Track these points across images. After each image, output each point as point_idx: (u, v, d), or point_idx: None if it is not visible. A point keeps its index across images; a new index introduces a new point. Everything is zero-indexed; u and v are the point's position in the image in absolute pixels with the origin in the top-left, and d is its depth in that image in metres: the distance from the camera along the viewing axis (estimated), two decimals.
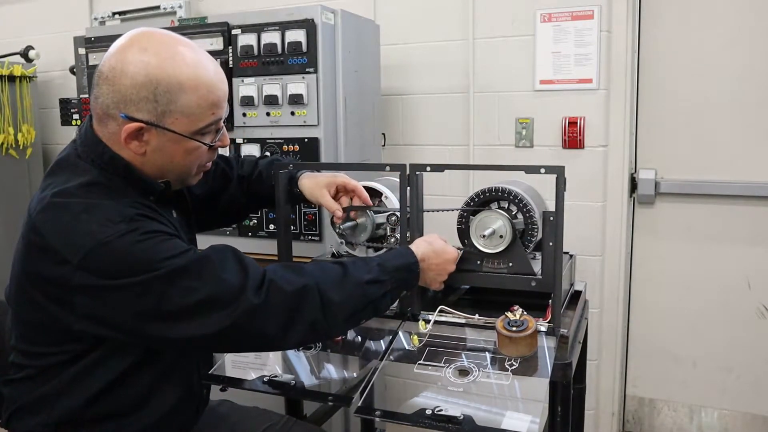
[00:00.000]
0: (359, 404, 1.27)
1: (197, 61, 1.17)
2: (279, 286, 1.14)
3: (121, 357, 1.17)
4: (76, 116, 2.71)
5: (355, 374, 1.39)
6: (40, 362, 1.18)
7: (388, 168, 1.51)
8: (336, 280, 1.21)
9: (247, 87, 2.13)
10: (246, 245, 2.22)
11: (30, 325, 1.18)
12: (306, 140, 2.08)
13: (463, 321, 1.45)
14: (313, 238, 2.14)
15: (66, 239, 1.08)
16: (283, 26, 2.06)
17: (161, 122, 1.15)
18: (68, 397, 1.17)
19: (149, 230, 1.10)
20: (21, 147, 3.15)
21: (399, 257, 1.34)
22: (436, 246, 1.40)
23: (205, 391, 1.43)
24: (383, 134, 2.66)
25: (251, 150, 2.16)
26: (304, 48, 2.04)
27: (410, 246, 1.38)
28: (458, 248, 1.51)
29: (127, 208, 1.12)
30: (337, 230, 1.61)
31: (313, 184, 1.57)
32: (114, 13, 3.16)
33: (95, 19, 3.21)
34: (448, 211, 1.59)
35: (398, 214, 1.55)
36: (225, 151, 2.21)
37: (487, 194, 1.51)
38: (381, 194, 1.61)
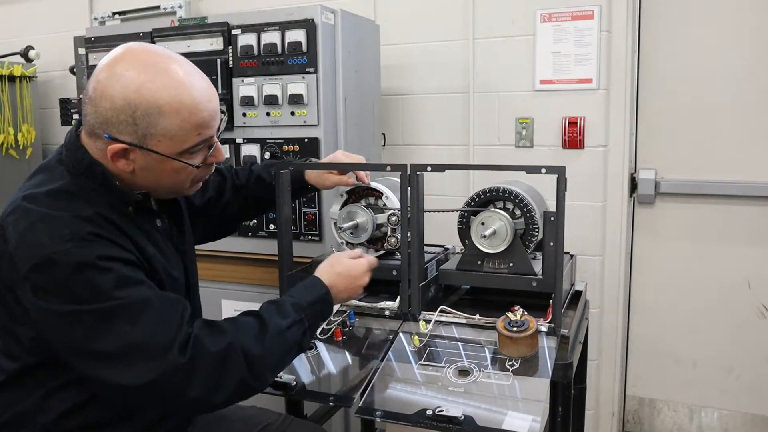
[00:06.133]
0: (360, 404, 1.27)
1: (180, 83, 1.13)
2: (204, 346, 1.10)
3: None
4: (76, 116, 2.72)
5: (355, 374, 1.39)
6: (11, 366, 1.15)
7: (388, 168, 1.51)
8: (256, 336, 1.16)
9: (247, 87, 2.13)
10: (246, 245, 2.22)
11: (3, 329, 1.16)
12: (306, 140, 2.08)
13: (463, 321, 1.45)
14: (313, 238, 2.13)
15: (19, 247, 1.07)
16: (283, 26, 2.06)
17: (144, 144, 1.13)
18: (45, 413, 1.14)
19: (96, 254, 1.07)
20: (21, 147, 3.15)
21: (310, 291, 1.31)
22: (339, 268, 1.37)
23: None
24: (383, 134, 2.66)
25: (251, 150, 2.16)
26: (304, 48, 2.04)
27: (316, 274, 1.36)
28: (367, 246, 1.53)
29: (82, 224, 1.09)
30: (338, 230, 1.61)
31: (318, 173, 1.63)
32: (114, 13, 3.16)
33: (95, 19, 3.21)
34: (448, 211, 1.59)
35: (399, 214, 1.55)
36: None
37: (488, 194, 1.51)
38: (381, 194, 1.61)
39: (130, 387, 1.06)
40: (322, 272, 1.36)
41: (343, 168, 1.62)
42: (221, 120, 1.23)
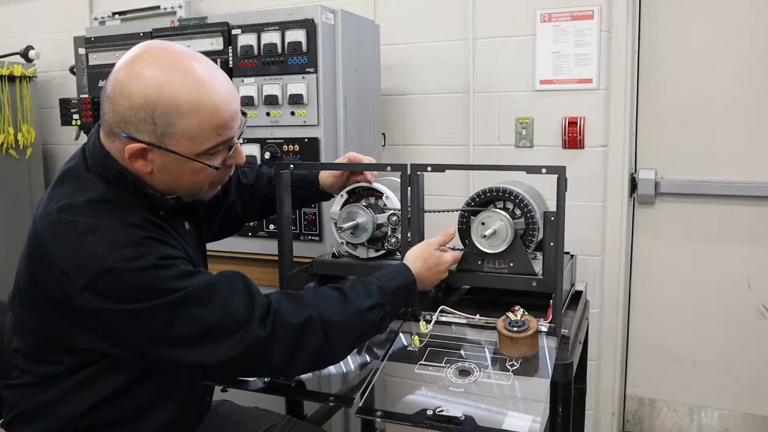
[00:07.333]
0: (360, 405, 1.27)
1: (200, 83, 1.11)
2: (284, 318, 1.15)
3: (120, 371, 1.16)
4: (76, 116, 2.71)
5: (355, 374, 1.39)
6: (41, 369, 1.17)
7: (389, 168, 1.51)
8: (337, 310, 1.21)
9: (247, 87, 2.13)
10: (246, 245, 2.22)
11: (34, 333, 1.17)
12: (306, 140, 2.08)
13: (464, 321, 1.45)
14: (313, 238, 2.13)
15: (72, 260, 1.07)
16: (283, 26, 2.06)
17: (162, 143, 1.12)
18: (67, 407, 1.16)
19: (156, 255, 1.09)
20: (21, 147, 3.15)
21: (397, 277, 1.35)
22: (429, 263, 1.42)
23: (208, 398, 1.43)
24: (383, 134, 2.66)
25: (251, 150, 2.15)
26: (304, 48, 2.04)
27: (406, 262, 1.40)
28: (456, 248, 1.51)
29: (134, 230, 1.10)
30: (338, 230, 1.61)
31: (327, 174, 1.64)
32: (114, 13, 3.16)
33: (95, 19, 3.21)
34: (448, 211, 1.59)
35: (399, 214, 1.55)
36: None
37: (488, 194, 1.51)
38: (381, 194, 1.61)
39: (214, 364, 1.11)
40: (413, 262, 1.40)
41: (342, 168, 1.62)
42: (242, 122, 1.21)
